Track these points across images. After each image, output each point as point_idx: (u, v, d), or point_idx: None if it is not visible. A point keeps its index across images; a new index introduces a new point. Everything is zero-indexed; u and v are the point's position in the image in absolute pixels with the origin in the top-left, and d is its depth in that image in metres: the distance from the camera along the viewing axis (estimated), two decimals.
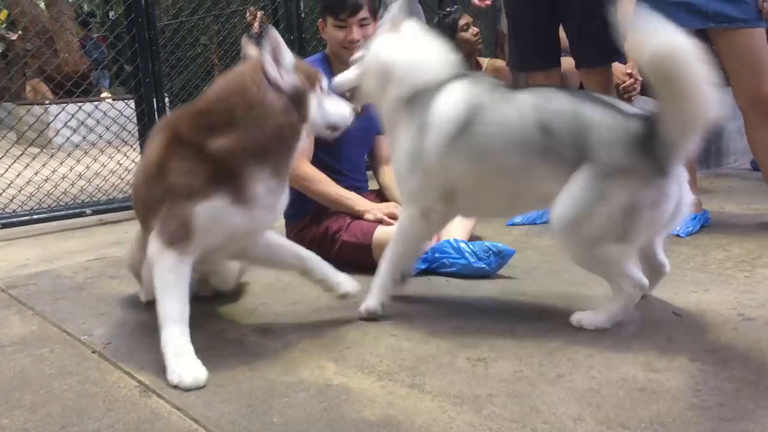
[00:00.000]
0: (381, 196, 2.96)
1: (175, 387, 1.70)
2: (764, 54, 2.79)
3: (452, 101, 1.98)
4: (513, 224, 3.31)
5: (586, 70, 3.42)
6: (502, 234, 3.08)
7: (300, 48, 4.79)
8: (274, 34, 1.79)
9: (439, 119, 1.98)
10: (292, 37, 4.79)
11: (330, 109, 1.96)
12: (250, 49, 1.98)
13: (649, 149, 1.76)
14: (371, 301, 2.15)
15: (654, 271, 2.09)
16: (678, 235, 2.83)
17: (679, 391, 1.55)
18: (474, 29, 4.22)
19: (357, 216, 2.70)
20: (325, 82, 1.96)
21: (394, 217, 2.64)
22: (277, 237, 2.18)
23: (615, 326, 1.94)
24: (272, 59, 1.80)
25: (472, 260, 2.50)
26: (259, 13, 8.54)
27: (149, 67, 4.17)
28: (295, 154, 1.94)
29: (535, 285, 2.39)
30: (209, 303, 2.35)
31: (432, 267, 2.56)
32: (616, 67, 3.59)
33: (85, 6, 12.76)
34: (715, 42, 2.79)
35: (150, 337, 2.05)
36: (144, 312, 2.28)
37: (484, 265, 2.49)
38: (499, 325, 2.01)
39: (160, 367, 1.78)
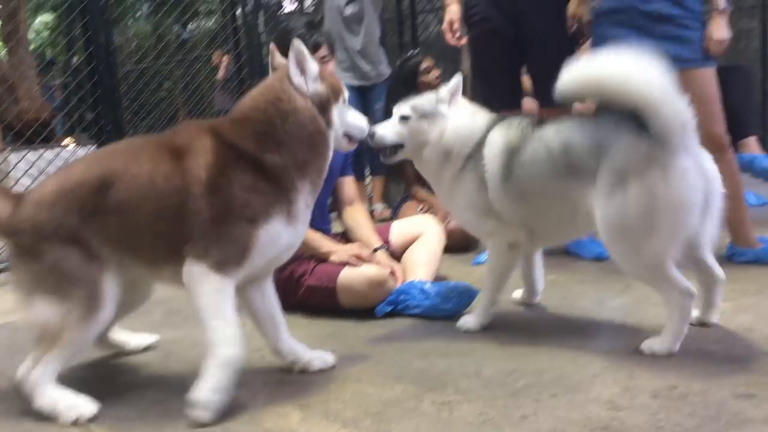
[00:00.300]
0: (346, 237, 2.96)
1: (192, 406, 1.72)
2: (714, 93, 2.88)
3: (493, 154, 2.22)
4: (478, 263, 3.33)
5: (548, 109, 3.50)
6: (467, 273, 3.10)
7: None
8: (299, 44, 1.87)
9: (489, 174, 2.22)
10: (256, 81, 4.83)
11: (350, 120, 2.05)
12: (277, 57, 2.04)
13: (645, 134, 1.91)
14: (473, 323, 2.34)
15: (708, 280, 2.16)
16: None
17: (641, 429, 1.56)
18: (436, 72, 4.29)
19: (322, 258, 2.70)
20: (347, 94, 2.04)
21: (360, 258, 2.65)
22: (275, 300, 2.08)
23: (579, 365, 1.95)
24: (297, 69, 1.87)
25: (438, 301, 2.51)
26: (225, 58, 8.59)
27: (111, 113, 4.17)
28: (327, 164, 1.97)
29: (499, 324, 2.39)
30: (168, 351, 2.32)
31: (398, 309, 2.56)
32: (575, 106, 3.69)
33: (47, 52, 12.68)
34: None
35: (108, 392, 2.01)
36: (103, 366, 2.23)
37: (449, 306, 2.50)
38: (464, 367, 2.01)
39: (119, 421, 1.74)
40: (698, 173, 1.93)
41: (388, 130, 2.37)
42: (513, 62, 3.43)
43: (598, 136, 2.03)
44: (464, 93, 2.43)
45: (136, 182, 1.82)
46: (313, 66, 1.91)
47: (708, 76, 2.86)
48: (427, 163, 2.37)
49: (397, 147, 2.39)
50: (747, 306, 2.35)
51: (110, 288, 1.83)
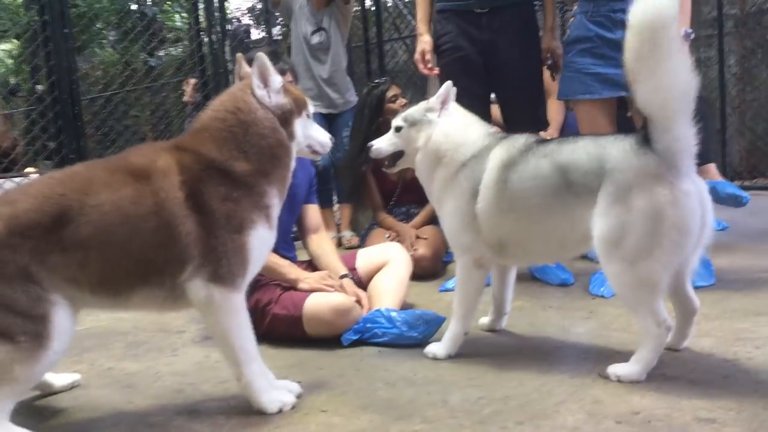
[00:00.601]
0: (313, 266, 2.94)
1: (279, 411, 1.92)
2: None
3: (492, 166, 2.24)
4: (445, 290, 3.33)
5: None
6: (434, 300, 3.10)
7: None
8: (263, 57, 1.89)
9: (484, 184, 2.24)
10: None
11: (313, 134, 2.09)
12: (244, 67, 2.06)
13: (650, 152, 1.94)
14: (440, 351, 2.34)
15: (685, 309, 2.19)
16: (602, 296, 2.90)
17: None
18: (402, 100, 4.31)
19: (289, 285, 2.68)
20: (311, 108, 2.09)
21: (330, 285, 2.64)
22: None
23: (545, 392, 1.96)
24: (260, 81, 1.91)
25: (404, 329, 2.50)
26: (192, 81, 8.55)
27: (74, 142, 4.12)
28: (290, 174, 2.00)
29: (466, 351, 2.39)
30: (130, 384, 2.27)
31: (364, 337, 2.54)
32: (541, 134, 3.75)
33: (10, 80, 12.52)
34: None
35: (68, 429, 1.96)
36: (63, 402, 2.18)
37: (415, 334, 2.49)
38: (431, 396, 2.00)
39: None
40: (699, 200, 1.97)
41: (383, 143, 2.52)
42: (482, 90, 3.47)
43: (602, 152, 2.04)
44: None
45: (98, 213, 1.74)
46: (276, 78, 1.94)
47: None
48: (420, 168, 2.46)
49: (396, 156, 2.51)
50: (708, 330, 2.38)
51: (61, 322, 1.72)
